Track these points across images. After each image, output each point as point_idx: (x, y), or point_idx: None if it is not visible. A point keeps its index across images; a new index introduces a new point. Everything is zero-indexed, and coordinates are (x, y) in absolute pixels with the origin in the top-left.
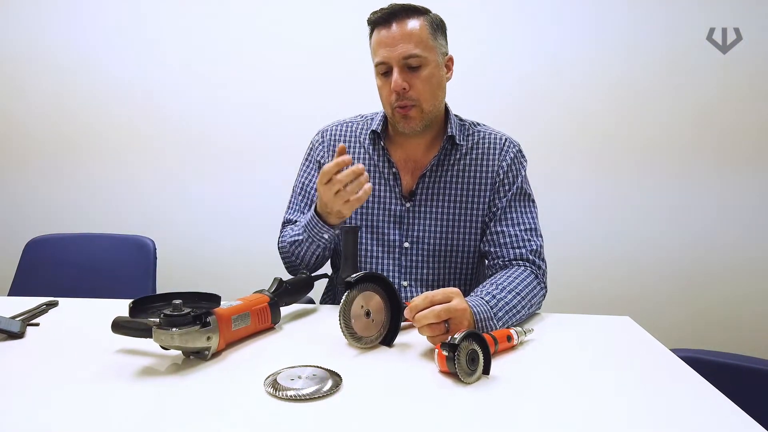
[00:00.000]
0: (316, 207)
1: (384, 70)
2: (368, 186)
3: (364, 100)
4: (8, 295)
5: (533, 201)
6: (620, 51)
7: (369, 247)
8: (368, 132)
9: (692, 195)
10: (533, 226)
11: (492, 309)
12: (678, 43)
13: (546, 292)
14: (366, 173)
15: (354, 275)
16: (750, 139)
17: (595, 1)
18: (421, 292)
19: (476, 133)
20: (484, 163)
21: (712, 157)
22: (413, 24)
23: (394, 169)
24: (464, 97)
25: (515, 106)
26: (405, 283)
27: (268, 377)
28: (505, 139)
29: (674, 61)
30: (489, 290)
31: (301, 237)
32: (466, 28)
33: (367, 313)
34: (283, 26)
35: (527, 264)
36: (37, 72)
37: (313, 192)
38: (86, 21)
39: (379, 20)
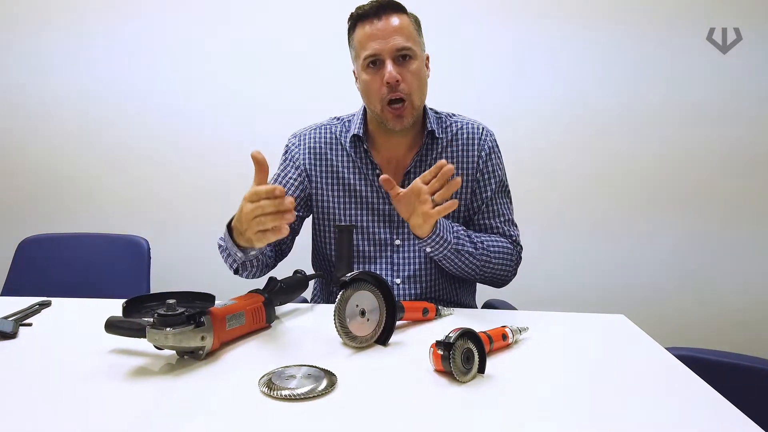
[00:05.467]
0: (232, 219)
1: (374, 63)
2: (286, 229)
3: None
4: (1, 295)
5: (509, 191)
6: (619, 51)
7: (361, 247)
8: (348, 135)
9: (689, 194)
10: (511, 217)
11: (453, 226)
12: (678, 43)
13: (516, 264)
14: (293, 213)
15: (349, 274)
16: (750, 139)
17: (595, 1)
18: (415, 288)
19: (453, 125)
20: (464, 154)
21: (710, 158)
22: (401, 18)
23: (377, 171)
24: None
25: (511, 106)
26: (398, 281)
27: (263, 377)
28: (482, 129)
29: (674, 61)
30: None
31: (223, 243)
32: (448, 25)
33: (362, 313)
34: (283, 29)
35: None
36: (30, 69)
37: (288, 186)
38: (83, 20)
39: (368, 13)
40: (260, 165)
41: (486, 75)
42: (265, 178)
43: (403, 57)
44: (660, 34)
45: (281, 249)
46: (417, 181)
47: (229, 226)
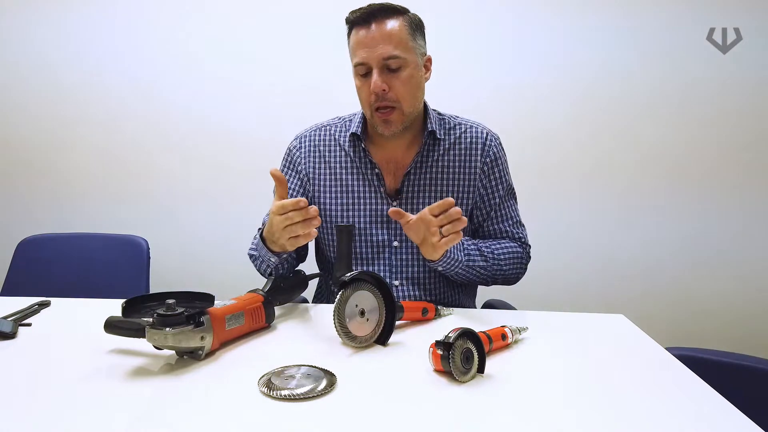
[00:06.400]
0: (263, 230)
1: (363, 71)
2: (315, 232)
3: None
4: (0, 295)
5: (515, 193)
6: (620, 51)
7: (358, 249)
8: (347, 134)
9: (689, 194)
10: (518, 219)
11: (462, 243)
12: (678, 43)
13: (526, 263)
14: (319, 218)
15: (348, 274)
16: (749, 139)
17: (595, 1)
18: (414, 290)
19: (457, 127)
20: (468, 158)
21: (710, 157)
22: (392, 24)
23: (376, 170)
24: (452, 97)
25: (513, 107)
26: (396, 283)
27: (262, 377)
28: (486, 133)
29: (674, 61)
30: (472, 239)
31: (255, 253)
32: (454, 26)
33: (362, 312)
34: (284, 31)
35: None
36: (30, 72)
37: (289, 195)
38: (79, 19)
39: (358, 20)
40: (279, 180)
41: (480, 73)
42: (285, 191)
43: (391, 65)
44: (660, 34)
45: (300, 255)
46: (425, 213)
47: (261, 237)
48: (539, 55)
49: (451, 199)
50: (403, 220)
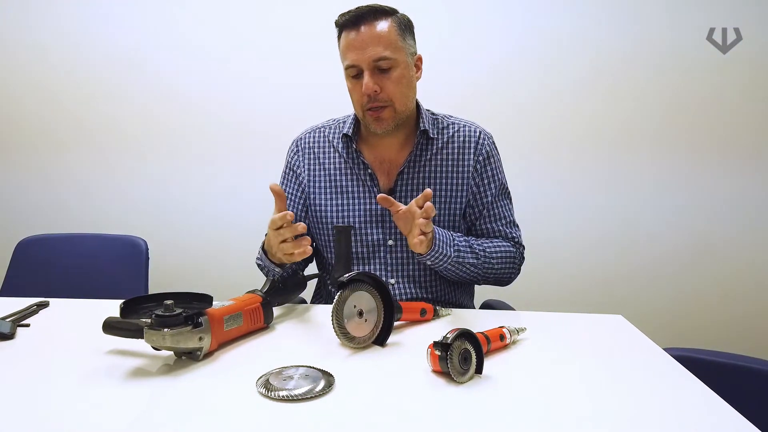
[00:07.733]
0: (264, 242)
1: (354, 73)
2: (309, 249)
3: None
4: None
5: (509, 192)
6: (620, 50)
7: (354, 248)
8: (340, 135)
9: (689, 194)
10: (512, 219)
11: (453, 239)
12: (678, 43)
13: (519, 264)
14: (308, 237)
15: (347, 275)
16: (749, 139)
17: (595, 1)
18: (410, 288)
19: (450, 126)
20: (461, 156)
21: (710, 157)
22: (382, 26)
23: (369, 170)
24: (449, 95)
25: (512, 106)
26: (393, 281)
27: (261, 377)
28: (479, 132)
29: (674, 61)
30: (465, 236)
31: (261, 262)
32: (447, 23)
33: (360, 313)
34: (286, 30)
35: None
36: (28, 70)
37: (293, 203)
38: (80, 18)
39: (347, 23)
40: (278, 195)
41: (472, 70)
42: (284, 205)
43: (381, 66)
44: (660, 34)
45: (307, 258)
46: (412, 204)
47: (263, 248)
48: (536, 55)
49: (429, 191)
50: (393, 208)
